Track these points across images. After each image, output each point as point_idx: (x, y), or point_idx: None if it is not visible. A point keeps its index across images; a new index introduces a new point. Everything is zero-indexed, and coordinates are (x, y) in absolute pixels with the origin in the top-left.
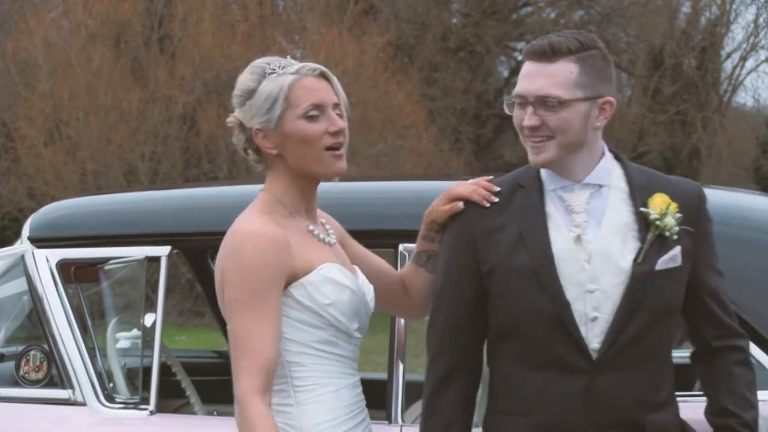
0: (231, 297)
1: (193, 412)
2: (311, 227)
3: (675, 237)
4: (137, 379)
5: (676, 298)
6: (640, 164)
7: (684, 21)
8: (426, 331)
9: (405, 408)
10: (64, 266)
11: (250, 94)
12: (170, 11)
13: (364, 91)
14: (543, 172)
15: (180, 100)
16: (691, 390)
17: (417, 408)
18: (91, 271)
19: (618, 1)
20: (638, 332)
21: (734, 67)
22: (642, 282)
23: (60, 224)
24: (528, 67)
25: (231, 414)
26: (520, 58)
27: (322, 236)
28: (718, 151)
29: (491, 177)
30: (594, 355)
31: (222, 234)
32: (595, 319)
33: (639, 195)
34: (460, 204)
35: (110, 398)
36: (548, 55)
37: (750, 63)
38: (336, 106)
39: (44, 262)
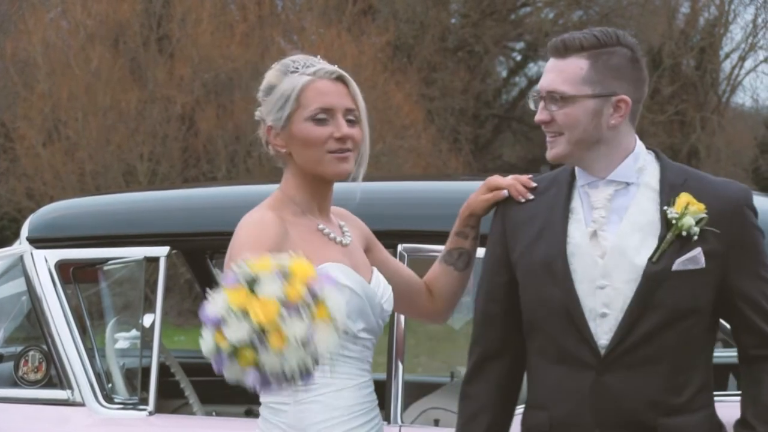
0: None
1: (192, 413)
2: (321, 226)
3: (695, 238)
4: (136, 379)
5: (695, 301)
6: None
7: (683, 21)
8: None
9: (404, 408)
10: (62, 267)
11: (269, 90)
12: (169, 11)
13: (363, 91)
14: (576, 169)
15: (179, 100)
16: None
17: (416, 408)
18: (89, 271)
19: (617, 2)
20: (650, 332)
21: (733, 68)
22: (655, 281)
23: (59, 225)
24: (547, 63)
25: (230, 414)
26: (518, 58)
27: (333, 235)
28: (716, 151)
29: (531, 176)
30: (602, 352)
31: (221, 234)
32: (604, 315)
33: (668, 194)
34: (504, 192)
35: (109, 399)
36: (561, 51)
37: (749, 63)
38: (349, 111)
39: (43, 263)
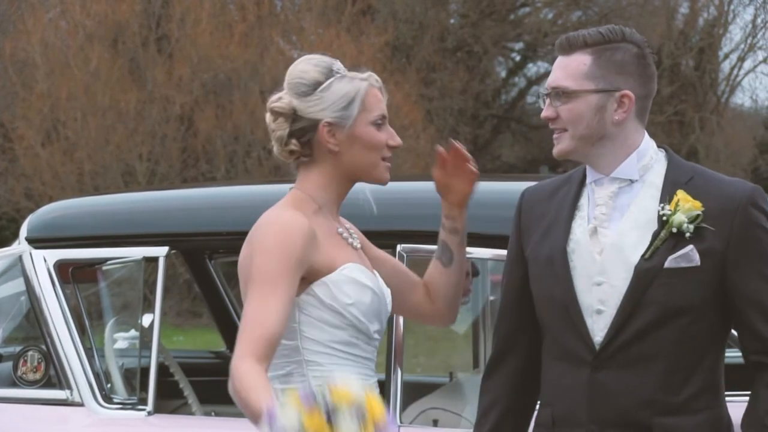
0: (249, 279)
1: (191, 413)
2: (341, 230)
3: (688, 235)
4: (135, 379)
5: (688, 299)
6: None
7: (682, 21)
8: None
9: (403, 408)
10: (61, 267)
11: (317, 85)
12: (168, 12)
13: None
14: (587, 166)
15: (178, 100)
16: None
17: (415, 408)
18: (88, 271)
19: (616, 2)
20: (643, 329)
21: (732, 68)
22: (646, 278)
23: (58, 225)
24: (555, 62)
25: (229, 414)
26: (518, 58)
27: (350, 240)
28: (715, 151)
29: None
30: (597, 349)
31: (220, 234)
32: (600, 312)
33: (669, 192)
34: (439, 148)
35: (108, 399)
36: (566, 48)
37: (748, 64)
38: None
39: (42, 263)
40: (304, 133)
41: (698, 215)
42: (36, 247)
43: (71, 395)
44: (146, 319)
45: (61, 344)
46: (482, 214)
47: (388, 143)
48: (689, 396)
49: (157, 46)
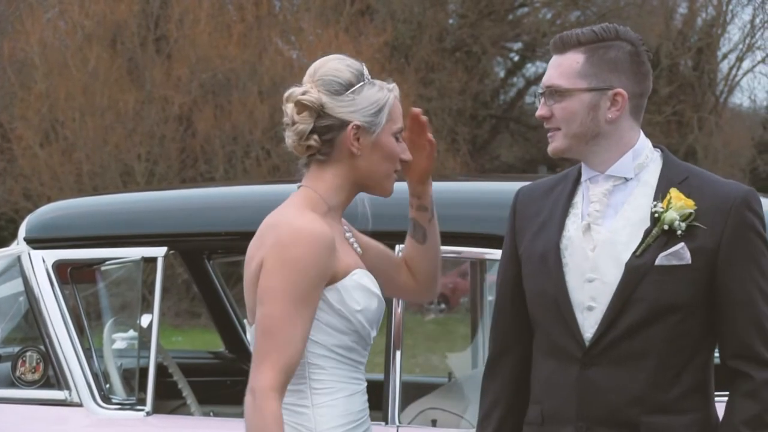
0: (272, 285)
1: (189, 413)
2: (348, 234)
3: (680, 233)
4: (134, 379)
5: (678, 296)
6: None
7: (680, 21)
8: None
9: (402, 409)
10: (60, 267)
11: (349, 86)
12: (166, 12)
13: None
14: (582, 164)
15: (176, 100)
16: None
17: (414, 408)
18: (87, 271)
19: (614, 2)
20: (632, 326)
21: (730, 68)
22: (637, 275)
23: (56, 225)
24: (550, 61)
25: (227, 414)
26: (516, 58)
27: (354, 243)
28: (714, 151)
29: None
30: (587, 345)
31: (218, 234)
32: (591, 308)
33: (663, 191)
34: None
35: (107, 399)
36: (559, 47)
37: (746, 64)
38: None
39: (40, 263)
40: (328, 130)
41: (690, 213)
42: (34, 248)
43: (70, 395)
44: (145, 320)
45: (59, 344)
46: (482, 214)
47: (401, 156)
48: (679, 395)
49: (156, 46)
